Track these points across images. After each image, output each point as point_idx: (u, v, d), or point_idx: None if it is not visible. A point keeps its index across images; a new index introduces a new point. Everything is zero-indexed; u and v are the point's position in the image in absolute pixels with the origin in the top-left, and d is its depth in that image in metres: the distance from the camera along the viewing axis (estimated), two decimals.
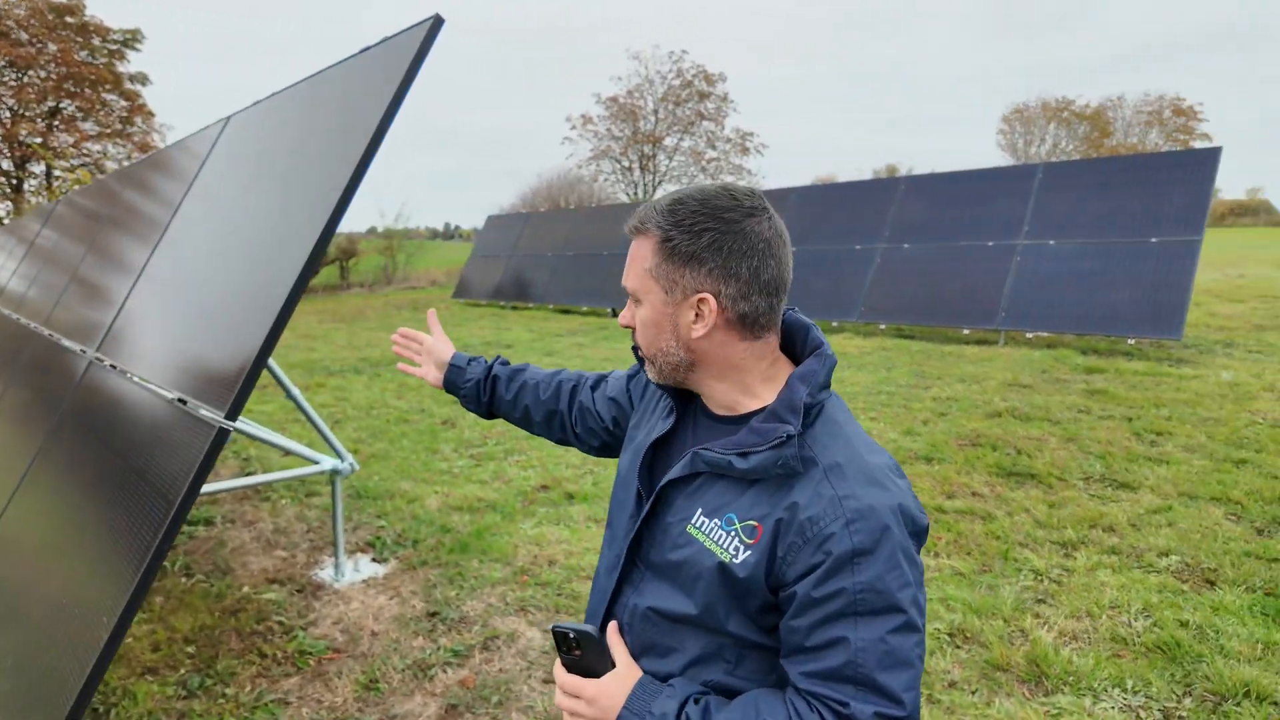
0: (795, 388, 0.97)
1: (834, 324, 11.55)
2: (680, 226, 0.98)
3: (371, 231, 33.03)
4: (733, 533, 0.95)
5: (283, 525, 4.40)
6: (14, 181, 24.76)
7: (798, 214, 12.84)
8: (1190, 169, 9.33)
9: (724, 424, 1.05)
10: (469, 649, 3.07)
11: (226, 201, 2.66)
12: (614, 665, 1.02)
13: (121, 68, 25.61)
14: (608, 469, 5.20)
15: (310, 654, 3.05)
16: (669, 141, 37.01)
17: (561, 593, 3.49)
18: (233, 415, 1.73)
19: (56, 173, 23.51)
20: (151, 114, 26.55)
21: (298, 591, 3.61)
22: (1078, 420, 5.98)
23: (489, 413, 1.54)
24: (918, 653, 0.90)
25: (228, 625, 3.27)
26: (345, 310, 18.49)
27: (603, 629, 1.10)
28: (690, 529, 1.00)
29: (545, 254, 17.73)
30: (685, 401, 1.13)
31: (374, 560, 3.94)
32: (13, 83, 23.84)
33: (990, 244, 10.53)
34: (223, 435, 1.72)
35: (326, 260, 24.67)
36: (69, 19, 23.76)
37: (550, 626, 1.01)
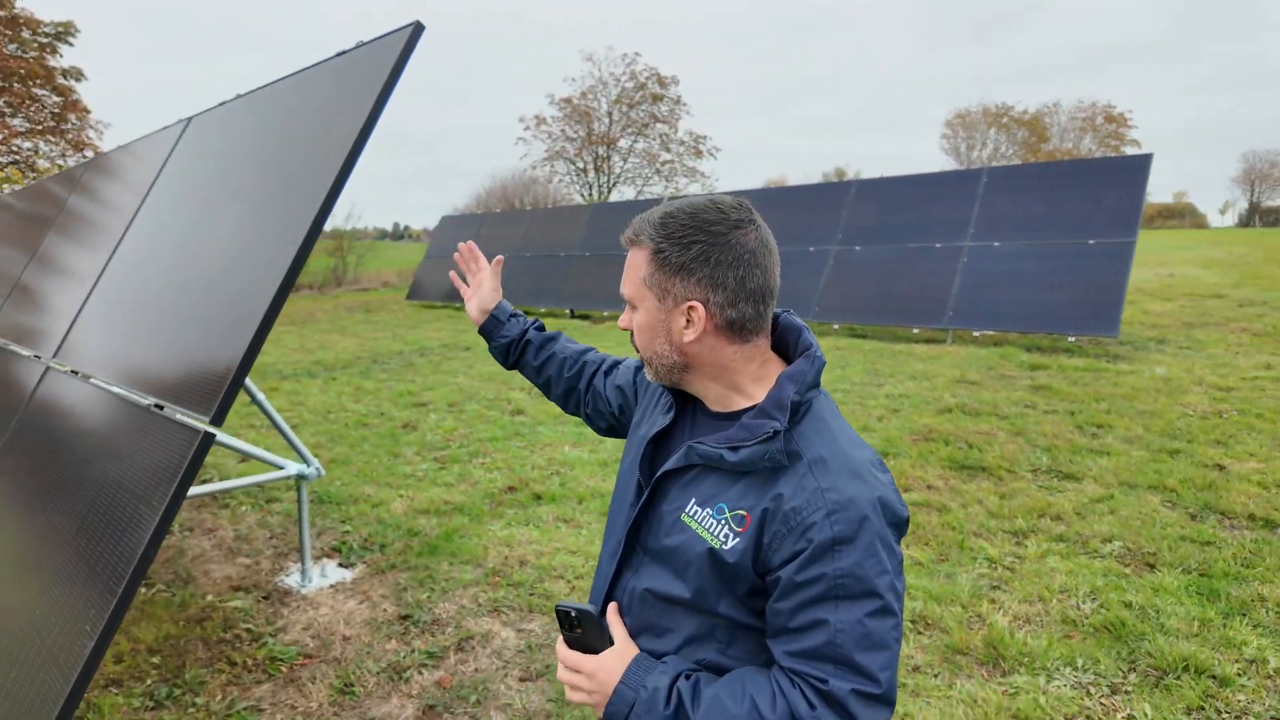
0: (784, 386, 1.04)
1: None
2: (671, 239, 1.04)
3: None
4: (723, 521, 1.02)
5: (244, 532, 4.33)
6: None
7: None
8: (1124, 174, 9.78)
9: (719, 420, 1.12)
10: (443, 650, 3.08)
11: (195, 206, 2.62)
12: (613, 643, 1.08)
13: (54, 62, 24.54)
14: (574, 469, 5.24)
15: (281, 660, 3.02)
16: (623, 143, 37.10)
17: (534, 592, 3.52)
18: (218, 420, 1.73)
19: None
20: (87, 110, 25.47)
21: (264, 599, 3.56)
22: (1024, 415, 6.23)
23: (511, 366, 1.62)
24: (894, 635, 0.96)
25: (193, 634, 3.21)
26: (295, 313, 18.07)
27: (603, 610, 1.16)
28: (684, 517, 1.06)
29: (502, 255, 17.62)
30: (684, 398, 1.19)
31: (341, 565, 3.90)
32: None
33: (938, 246, 10.87)
34: (208, 439, 1.72)
35: None
36: None
37: (555, 606, 1.06)
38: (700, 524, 1.04)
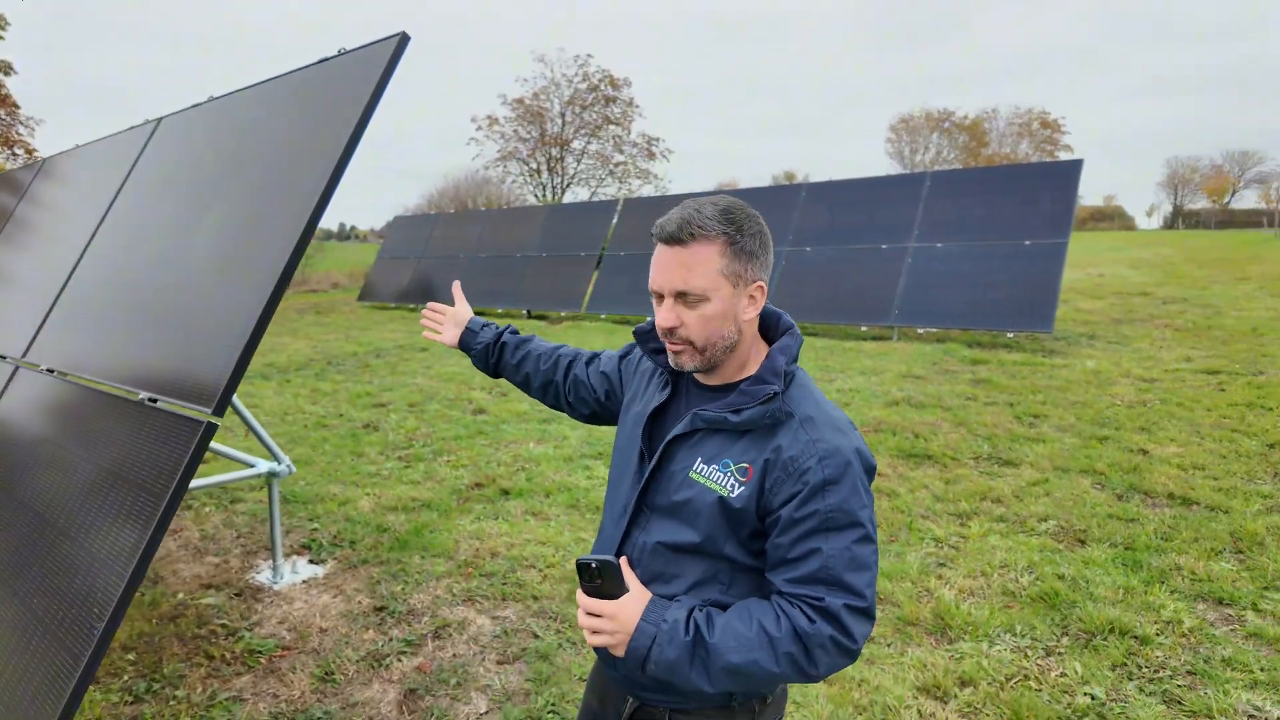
0: (776, 357, 1.22)
1: None
2: (740, 229, 1.18)
3: None
4: (729, 473, 1.18)
5: (210, 532, 4.32)
6: None
7: None
8: (1057, 178, 10.31)
9: (712, 392, 1.28)
10: (421, 638, 3.17)
11: (181, 203, 2.67)
12: (628, 590, 1.21)
13: None
14: (540, 465, 5.35)
15: (260, 653, 3.07)
16: (577, 145, 37.13)
17: (507, 582, 3.63)
18: (220, 410, 1.81)
19: None
20: (16, 106, 24.42)
21: (236, 595, 3.59)
22: (966, 406, 6.57)
23: (495, 373, 1.74)
24: (874, 559, 1.15)
25: (167, 631, 3.23)
26: None
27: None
28: (693, 475, 1.22)
29: (457, 255, 17.54)
30: (675, 377, 1.34)
31: (311, 562, 3.95)
32: None
33: (884, 247, 11.26)
34: (210, 430, 1.81)
35: None
36: None
37: (576, 560, 1.19)
38: (708, 478, 1.20)
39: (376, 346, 11.68)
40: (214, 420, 1.81)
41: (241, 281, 2.02)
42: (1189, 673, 2.76)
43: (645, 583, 1.25)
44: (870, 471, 1.19)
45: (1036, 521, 4.12)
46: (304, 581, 3.71)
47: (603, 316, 14.43)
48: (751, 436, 1.19)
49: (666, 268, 1.18)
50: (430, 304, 1.80)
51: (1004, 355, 8.90)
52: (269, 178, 2.20)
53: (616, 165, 37.37)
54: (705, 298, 1.17)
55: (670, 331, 1.20)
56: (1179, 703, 2.60)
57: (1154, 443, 5.36)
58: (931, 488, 4.67)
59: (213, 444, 3.61)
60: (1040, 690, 2.68)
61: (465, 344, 1.74)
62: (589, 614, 1.19)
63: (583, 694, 1.57)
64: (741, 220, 1.19)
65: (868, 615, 1.13)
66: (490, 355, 1.72)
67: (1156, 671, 2.78)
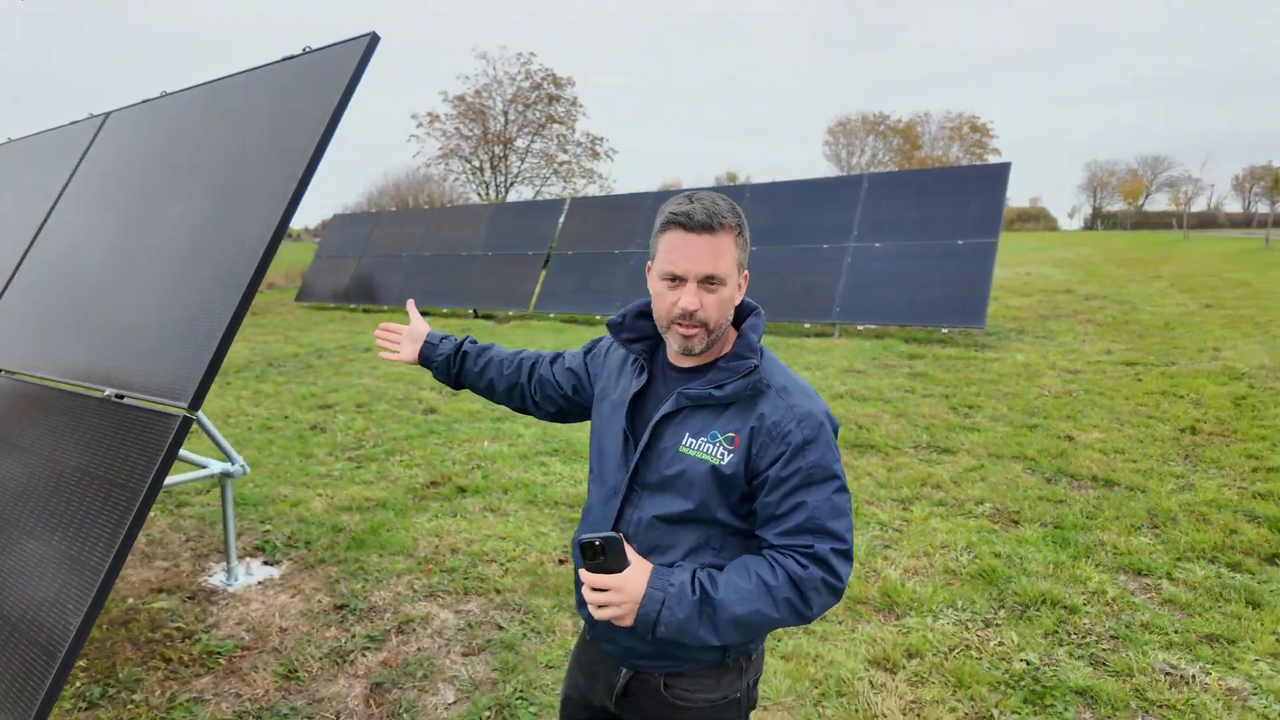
0: (749, 335, 1.35)
1: None
2: (742, 222, 1.31)
3: None
4: (718, 443, 1.29)
5: (156, 536, 4.22)
6: None
7: (654, 217, 13.41)
8: (987, 181, 10.79)
9: (688, 373, 1.38)
10: (384, 634, 3.18)
11: (138, 197, 2.63)
12: (630, 564, 1.29)
13: None
14: (495, 463, 5.37)
15: (219, 654, 3.04)
16: (520, 143, 36.89)
17: (469, 576, 3.66)
18: (196, 405, 1.82)
19: None
20: None
21: (189, 599, 3.52)
22: (905, 399, 6.85)
23: (457, 384, 1.77)
24: (849, 506, 1.28)
25: (119, 636, 3.16)
26: None
27: None
28: (682, 449, 1.31)
29: (399, 254, 17.26)
30: (650, 363, 1.43)
31: (266, 563, 3.90)
32: None
33: (825, 247, 11.59)
34: (186, 423, 1.82)
35: None
36: None
37: (578, 539, 1.25)
38: (698, 450, 1.30)
39: (318, 347, 11.44)
40: (189, 414, 1.82)
41: (209, 275, 2.02)
42: (1112, 637, 2.99)
43: (643, 555, 1.33)
44: (836, 430, 1.32)
45: (973, 505, 4.36)
46: (260, 583, 3.67)
47: (551, 316, 14.42)
48: (735, 408, 1.30)
49: (695, 254, 1.25)
50: (383, 324, 1.81)
51: (939, 350, 9.29)
52: (232, 175, 2.21)
53: (561, 164, 37.29)
54: (724, 282, 1.28)
55: (690, 315, 1.27)
56: (1104, 664, 2.82)
57: (1079, 430, 5.70)
58: (875, 475, 4.88)
59: None
60: (981, 659, 2.87)
61: (425, 357, 1.75)
62: (595, 589, 1.26)
63: (565, 676, 1.64)
64: (741, 215, 1.31)
65: (849, 557, 1.26)
66: (452, 366, 1.74)
67: (1084, 637, 3.00)
